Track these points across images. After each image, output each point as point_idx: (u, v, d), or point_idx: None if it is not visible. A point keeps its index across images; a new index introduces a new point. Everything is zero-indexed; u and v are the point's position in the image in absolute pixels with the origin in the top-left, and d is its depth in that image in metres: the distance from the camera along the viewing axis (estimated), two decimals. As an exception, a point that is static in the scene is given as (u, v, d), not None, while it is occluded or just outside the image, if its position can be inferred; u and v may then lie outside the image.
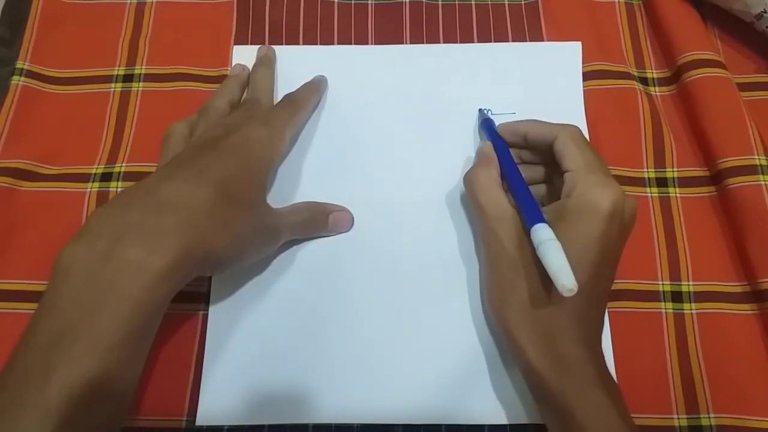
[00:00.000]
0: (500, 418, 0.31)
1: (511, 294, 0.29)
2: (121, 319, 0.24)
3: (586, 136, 0.38)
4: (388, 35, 0.41)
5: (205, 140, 0.31)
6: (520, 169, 0.33)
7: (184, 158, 0.30)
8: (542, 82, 0.39)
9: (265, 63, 0.39)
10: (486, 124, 0.36)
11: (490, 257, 0.31)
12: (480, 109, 0.38)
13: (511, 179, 0.32)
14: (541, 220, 0.28)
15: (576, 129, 0.32)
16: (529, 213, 0.29)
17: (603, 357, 0.29)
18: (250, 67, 0.40)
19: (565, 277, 0.25)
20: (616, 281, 0.34)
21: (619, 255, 0.30)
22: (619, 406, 0.27)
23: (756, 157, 0.35)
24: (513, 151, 0.35)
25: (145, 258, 0.24)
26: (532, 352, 0.28)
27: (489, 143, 0.35)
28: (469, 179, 0.33)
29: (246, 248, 0.30)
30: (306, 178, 0.37)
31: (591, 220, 0.28)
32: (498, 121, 0.36)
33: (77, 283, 0.24)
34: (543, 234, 0.27)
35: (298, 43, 0.41)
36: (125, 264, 0.24)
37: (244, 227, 0.29)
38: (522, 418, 0.31)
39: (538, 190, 0.35)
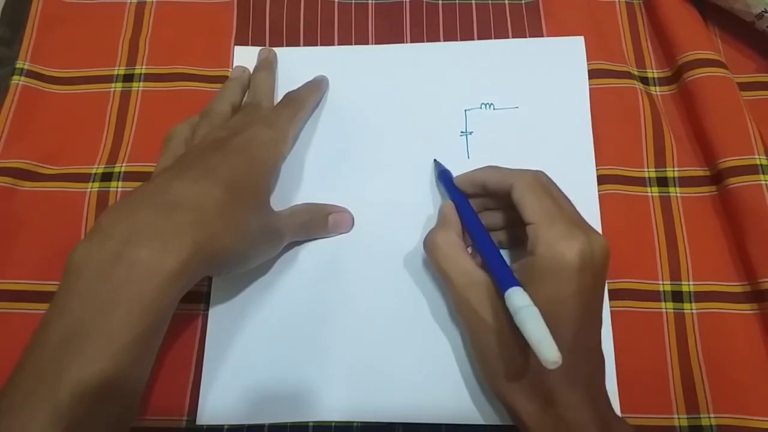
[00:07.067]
0: (500, 419, 0.31)
1: (499, 364, 0.28)
2: (132, 319, 0.24)
3: (590, 131, 0.37)
4: (389, 35, 0.41)
5: (209, 142, 0.31)
6: (484, 217, 0.31)
7: (190, 159, 0.30)
8: (546, 77, 0.39)
9: (266, 66, 0.39)
10: (443, 177, 0.34)
11: (467, 328, 0.30)
12: (435, 160, 0.36)
13: (477, 239, 0.30)
14: (514, 283, 0.26)
15: (532, 176, 0.30)
16: (500, 276, 0.27)
17: (609, 408, 0.28)
18: (251, 69, 0.40)
19: (546, 350, 0.23)
20: (616, 281, 0.34)
21: (601, 300, 0.28)
22: None
23: (756, 156, 0.35)
24: (476, 200, 0.33)
25: (157, 258, 0.25)
26: (532, 422, 0.27)
27: (449, 202, 0.33)
28: (428, 245, 0.31)
29: (252, 249, 0.30)
30: (306, 178, 0.37)
31: (562, 278, 0.26)
32: (500, 116, 0.35)
33: (89, 282, 0.24)
34: (518, 300, 0.25)
35: (298, 43, 0.41)
36: (137, 264, 0.24)
37: (251, 228, 0.29)
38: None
39: (500, 236, 0.34)
